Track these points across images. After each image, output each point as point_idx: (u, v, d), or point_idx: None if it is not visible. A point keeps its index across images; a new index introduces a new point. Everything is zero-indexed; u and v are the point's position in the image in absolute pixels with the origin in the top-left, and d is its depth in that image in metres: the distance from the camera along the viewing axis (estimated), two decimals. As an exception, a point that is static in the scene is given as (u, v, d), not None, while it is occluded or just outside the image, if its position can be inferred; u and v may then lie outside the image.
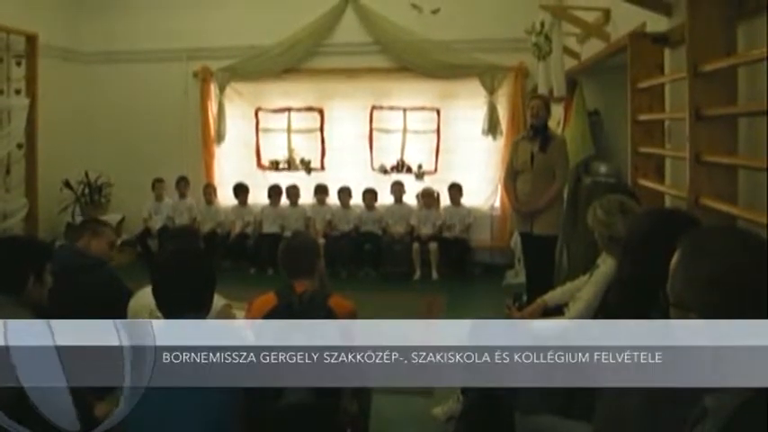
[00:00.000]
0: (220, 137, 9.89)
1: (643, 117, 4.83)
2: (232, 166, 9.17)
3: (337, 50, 9.55)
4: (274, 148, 9.84)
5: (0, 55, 8.07)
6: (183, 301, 2.54)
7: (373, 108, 9.63)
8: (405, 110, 9.57)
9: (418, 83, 9.49)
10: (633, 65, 4.89)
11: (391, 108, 9.61)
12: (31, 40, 8.40)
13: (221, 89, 9.85)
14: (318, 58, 9.68)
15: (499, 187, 8.60)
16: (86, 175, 9.55)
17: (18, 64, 8.33)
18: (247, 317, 3.12)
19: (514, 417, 3.75)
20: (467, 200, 9.11)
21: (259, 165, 9.84)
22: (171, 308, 2.55)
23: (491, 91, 9.14)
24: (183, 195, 9.56)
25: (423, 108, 9.53)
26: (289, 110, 9.82)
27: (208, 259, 2.71)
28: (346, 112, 9.74)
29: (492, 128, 9.18)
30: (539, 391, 3.32)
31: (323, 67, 9.67)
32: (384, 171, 9.48)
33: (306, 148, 9.83)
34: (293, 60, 9.63)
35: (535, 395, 3.33)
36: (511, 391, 3.48)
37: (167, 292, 2.56)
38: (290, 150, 9.81)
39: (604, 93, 7.36)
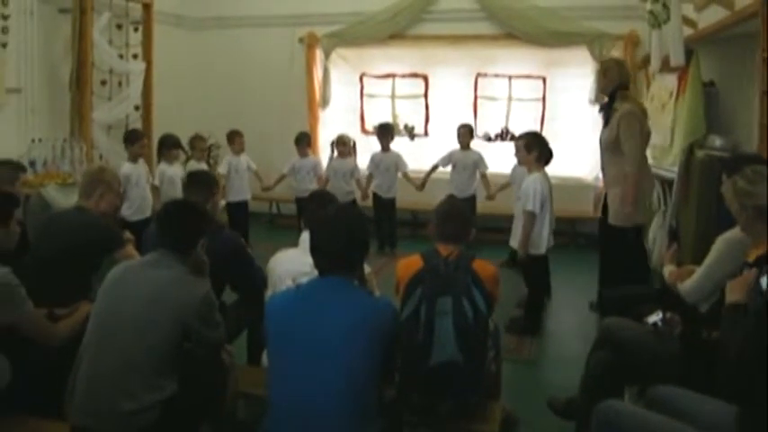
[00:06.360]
0: (325, 102, 10.08)
1: (775, 89, 4.67)
2: (337, 130, 9.23)
3: (442, 17, 9.53)
4: (379, 114, 9.89)
5: (120, 22, 8.39)
6: (344, 261, 2.54)
7: (478, 75, 9.58)
8: (510, 77, 9.47)
9: (524, 50, 9.34)
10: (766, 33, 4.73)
11: (496, 75, 9.53)
12: (146, 7, 8.74)
13: (327, 55, 9.99)
14: (423, 25, 9.68)
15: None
16: (196, 136, 9.83)
17: (135, 30, 8.68)
18: (397, 276, 3.15)
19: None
20: (571, 170, 8.94)
21: (363, 130, 9.95)
22: (327, 268, 2.54)
23: (600, 59, 8.93)
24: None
25: (528, 76, 9.41)
26: (393, 76, 9.90)
27: (366, 221, 2.72)
28: (451, 79, 9.71)
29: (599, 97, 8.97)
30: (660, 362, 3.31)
31: (428, 34, 9.65)
32: (488, 139, 9.41)
33: (410, 113, 9.89)
34: (398, 26, 9.67)
35: (657, 366, 3.32)
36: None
37: (329, 251, 2.52)
38: (394, 116, 9.89)
39: (722, 63, 7.09)
